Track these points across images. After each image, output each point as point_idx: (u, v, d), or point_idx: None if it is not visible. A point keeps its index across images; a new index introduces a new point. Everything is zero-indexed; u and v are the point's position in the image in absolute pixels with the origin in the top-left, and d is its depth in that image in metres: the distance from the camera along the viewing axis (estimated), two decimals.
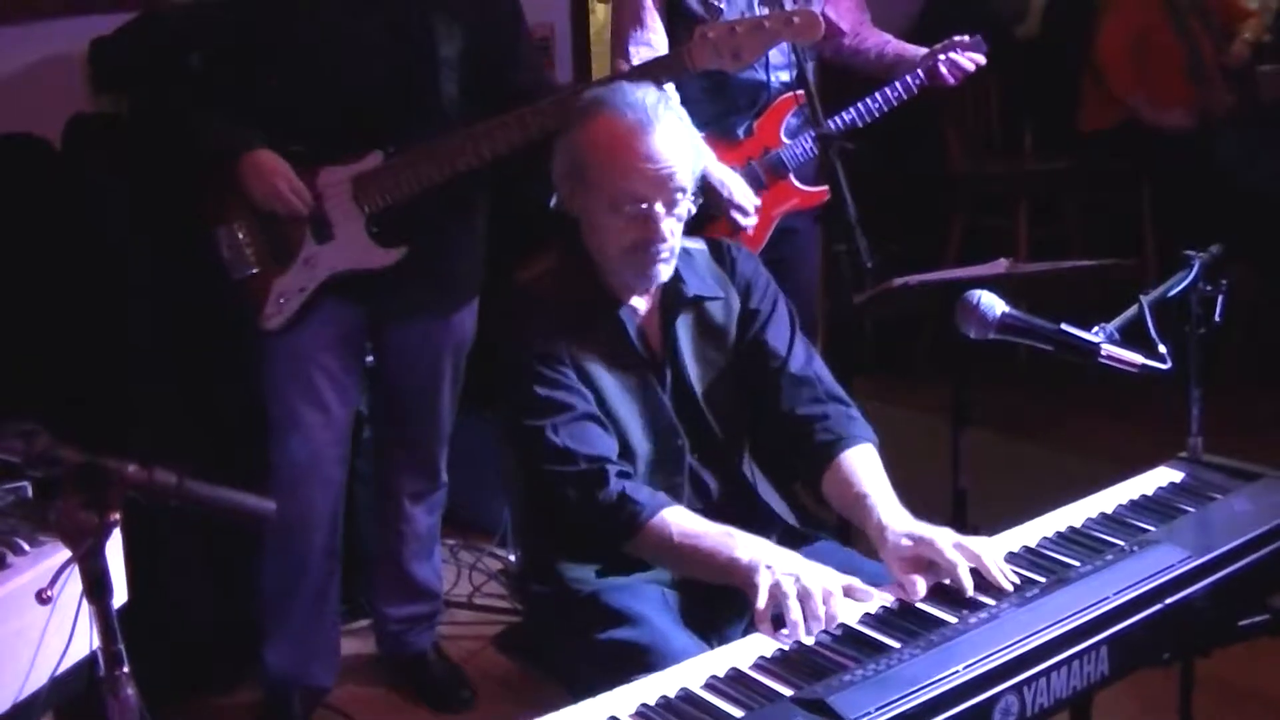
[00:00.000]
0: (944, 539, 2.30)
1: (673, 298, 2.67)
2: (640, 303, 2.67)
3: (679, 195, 2.55)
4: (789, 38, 3.12)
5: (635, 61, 3.58)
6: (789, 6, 3.55)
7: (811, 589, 2.17)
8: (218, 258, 3.39)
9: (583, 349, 2.57)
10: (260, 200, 3.28)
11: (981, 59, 3.87)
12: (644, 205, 2.52)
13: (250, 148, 3.27)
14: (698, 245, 2.76)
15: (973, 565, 2.25)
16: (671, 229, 2.56)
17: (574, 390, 2.53)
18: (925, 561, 2.30)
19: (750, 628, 2.49)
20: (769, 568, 2.25)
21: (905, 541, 2.34)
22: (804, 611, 2.15)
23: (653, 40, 3.67)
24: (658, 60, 3.27)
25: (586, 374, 2.57)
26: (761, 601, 2.20)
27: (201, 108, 3.35)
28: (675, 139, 2.55)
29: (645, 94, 2.58)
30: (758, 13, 3.62)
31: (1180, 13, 5.68)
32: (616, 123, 2.53)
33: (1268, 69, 5.64)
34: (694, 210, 2.63)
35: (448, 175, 3.23)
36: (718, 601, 2.54)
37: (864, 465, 2.58)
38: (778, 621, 2.17)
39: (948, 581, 2.25)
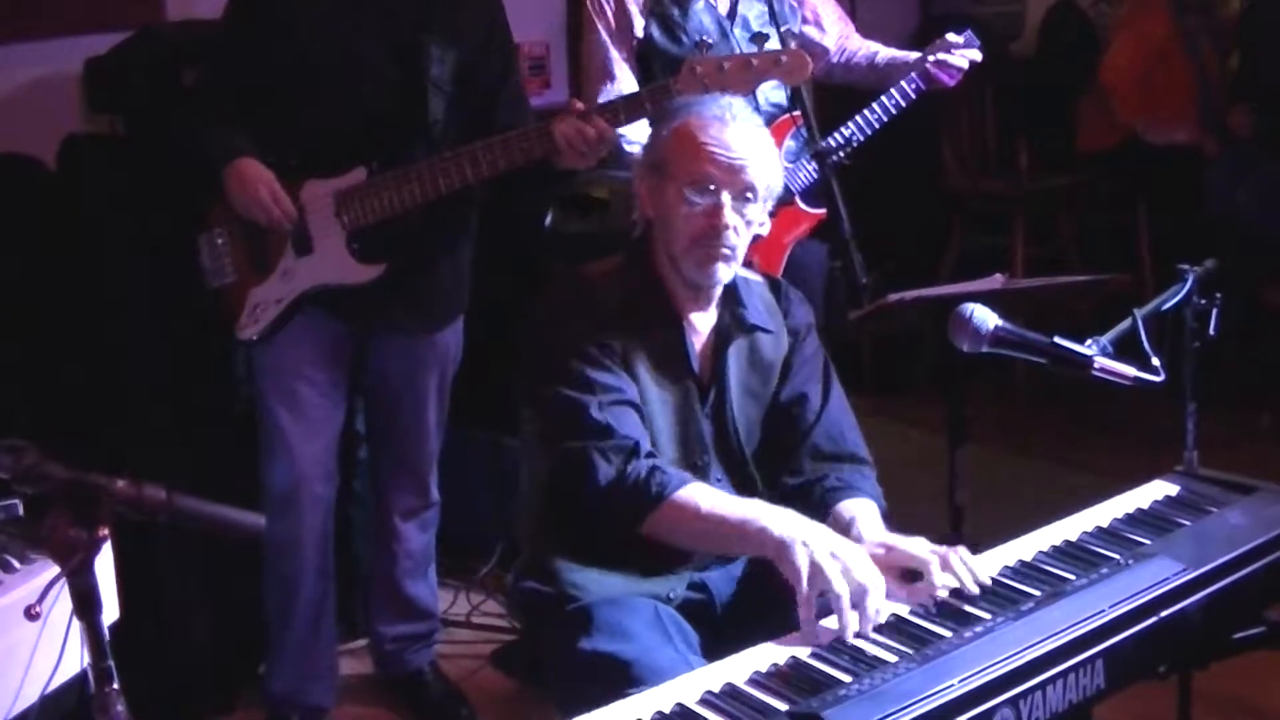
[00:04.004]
0: (913, 543, 2.37)
1: (731, 321, 2.70)
2: (700, 320, 2.70)
3: (749, 194, 2.58)
4: (776, 77, 3.13)
5: None
6: (775, 44, 3.56)
7: (865, 584, 2.17)
8: (198, 264, 3.41)
9: (633, 349, 2.60)
10: (241, 208, 3.29)
11: (976, 55, 3.82)
12: (712, 188, 2.56)
13: (236, 156, 3.28)
14: (756, 278, 2.80)
15: (942, 565, 2.29)
16: (737, 225, 2.58)
17: (620, 377, 2.56)
18: (898, 569, 2.33)
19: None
20: (804, 543, 2.25)
21: (878, 549, 2.38)
22: (858, 609, 2.16)
23: (623, 91, 3.65)
24: (646, 90, 3.27)
25: (633, 373, 2.59)
26: (803, 585, 2.20)
27: (193, 120, 3.37)
28: (753, 137, 2.61)
29: (730, 99, 2.69)
30: (740, 48, 3.64)
31: (1192, 35, 5.68)
32: (698, 115, 2.62)
33: (1236, 109, 5.62)
34: (766, 226, 2.67)
35: (430, 196, 3.24)
36: (728, 625, 2.57)
37: (860, 509, 2.60)
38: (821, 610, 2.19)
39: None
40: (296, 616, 3.58)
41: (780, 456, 2.73)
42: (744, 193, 2.57)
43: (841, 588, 2.17)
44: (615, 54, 3.71)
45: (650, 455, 2.50)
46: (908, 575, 2.33)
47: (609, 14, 3.72)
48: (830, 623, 2.18)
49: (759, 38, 3.65)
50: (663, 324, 2.65)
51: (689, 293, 2.66)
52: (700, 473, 2.63)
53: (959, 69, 3.81)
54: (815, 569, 2.20)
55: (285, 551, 3.52)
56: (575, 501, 2.55)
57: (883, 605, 2.19)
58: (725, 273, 2.63)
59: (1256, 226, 5.35)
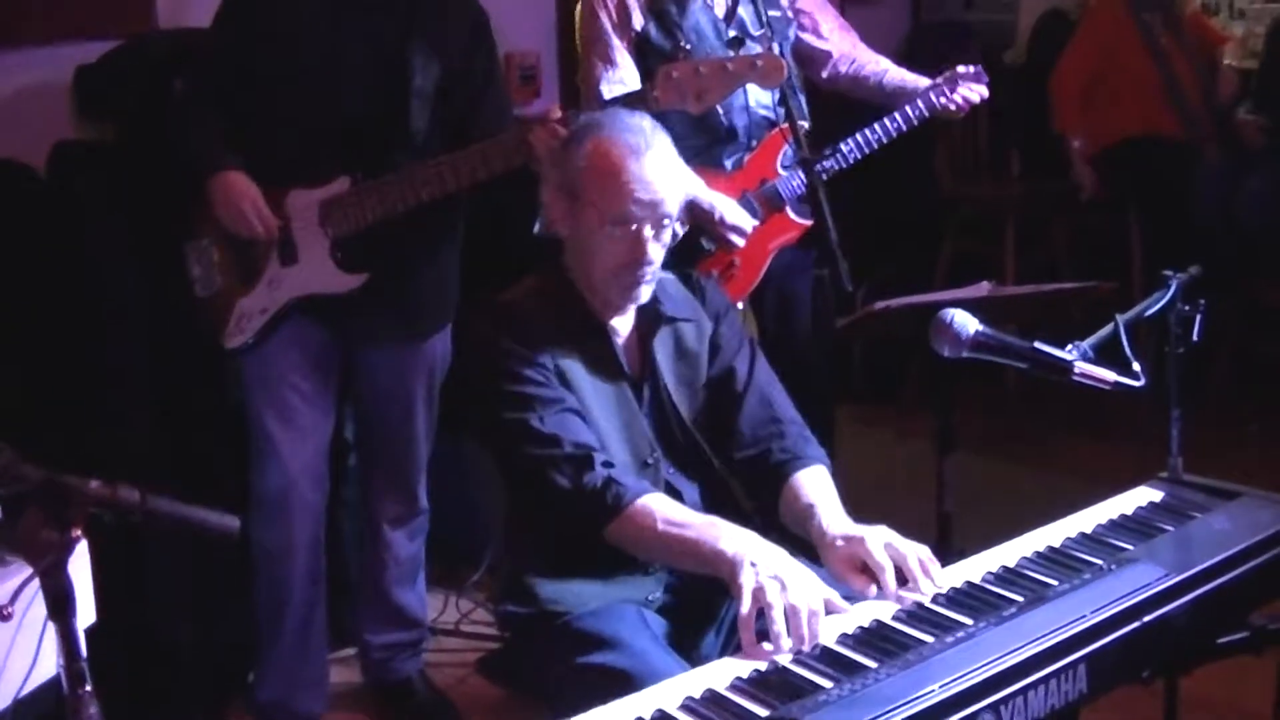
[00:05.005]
0: (875, 539, 2.35)
1: (650, 317, 2.73)
2: (620, 322, 2.72)
3: (666, 221, 2.62)
4: (753, 81, 3.15)
5: None
6: (757, 48, 3.56)
7: (798, 605, 2.17)
8: (186, 274, 3.42)
9: (564, 357, 2.62)
10: (225, 221, 3.31)
11: (984, 90, 3.84)
12: (634, 227, 2.58)
13: (221, 168, 3.29)
14: (667, 275, 2.80)
15: (899, 566, 2.29)
16: (656, 253, 2.62)
17: (555, 388, 2.58)
18: (861, 561, 2.34)
19: (726, 647, 2.50)
20: (754, 565, 2.26)
21: (840, 542, 2.39)
22: (788, 628, 2.15)
23: (625, 79, 3.65)
24: (623, 97, 3.27)
25: (568, 381, 2.61)
26: (745, 606, 2.20)
27: (181, 127, 3.38)
28: (667, 165, 2.62)
29: (641, 119, 2.67)
30: (725, 54, 3.64)
31: (1152, 33, 5.68)
32: (613, 144, 2.60)
33: (1249, 117, 5.60)
34: (680, 233, 2.70)
35: (412, 204, 3.26)
36: (690, 613, 2.57)
37: (813, 481, 2.63)
38: (761, 634, 2.17)
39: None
40: (287, 624, 3.58)
41: (721, 432, 2.75)
42: (662, 221, 2.61)
43: (778, 607, 2.17)
44: (617, 42, 3.70)
45: (607, 464, 2.52)
46: (867, 570, 2.34)
47: (611, 5, 3.72)
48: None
49: (735, 42, 3.66)
50: (587, 332, 2.67)
51: (605, 300, 2.69)
52: (652, 470, 2.65)
53: (970, 103, 3.83)
54: (758, 590, 2.22)
55: (276, 558, 3.53)
56: (537, 514, 2.57)
57: (820, 629, 2.17)
58: (646, 293, 2.67)
59: (1259, 229, 5.36)
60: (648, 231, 2.59)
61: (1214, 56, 5.83)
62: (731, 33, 3.72)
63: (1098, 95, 5.75)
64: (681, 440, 2.73)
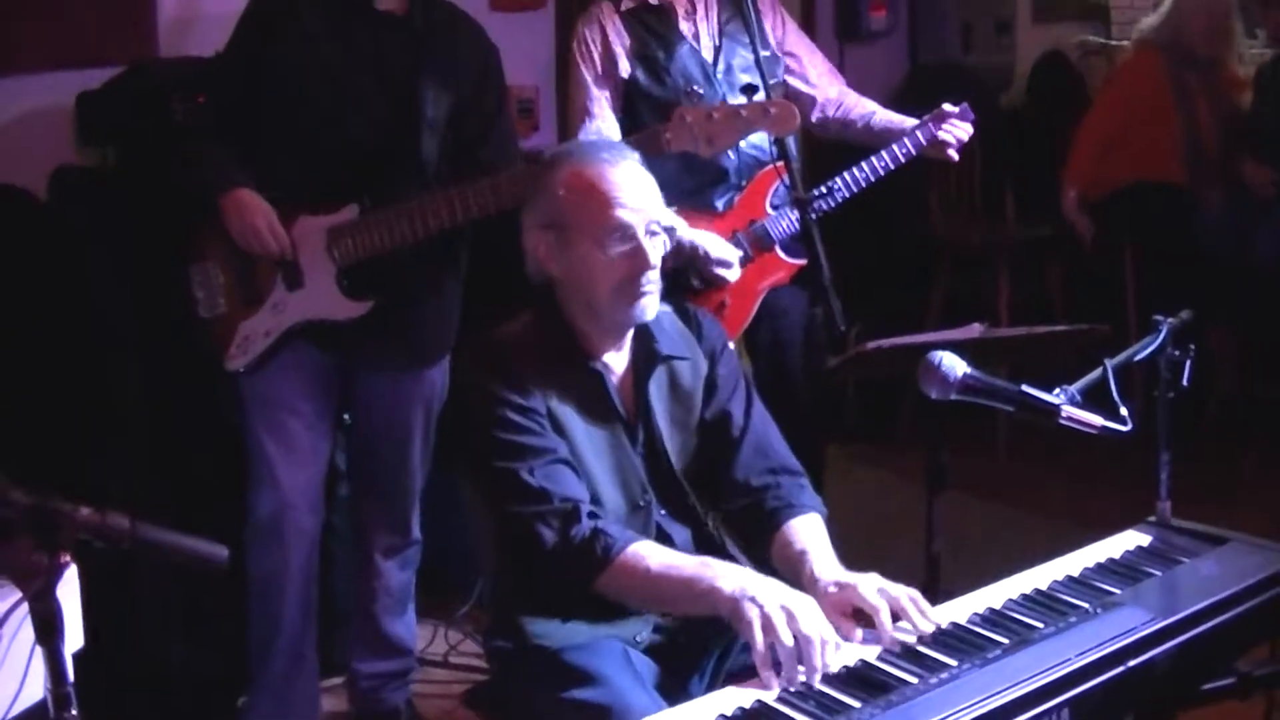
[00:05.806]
0: (867, 584, 2.35)
1: (645, 355, 2.71)
2: (615, 360, 2.70)
3: (656, 227, 2.61)
4: (764, 128, 3.19)
5: None
6: (757, 96, 3.59)
7: (810, 635, 2.17)
8: (189, 294, 3.43)
9: (557, 400, 2.60)
10: (238, 238, 3.32)
11: (969, 128, 3.87)
12: (629, 233, 2.57)
13: (234, 186, 3.31)
14: (664, 308, 2.78)
15: (894, 609, 2.29)
16: (656, 259, 2.60)
17: (548, 436, 2.56)
18: (852, 607, 2.34)
19: (713, 683, 2.49)
20: (753, 599, 2.25)
21: (831, 588, 2.38)
22: (802, 658, 2.15)
23: (602, 129, 3.70)
24: (634, 138, 3.30)
25: (560, 424, 2.59)
26: (757, 640, 2.19)
27: (192, 150, 3.42)
28: (642, 175, 2.64)
29: (607, 142, 2.68)
30: (723, 93, 3.69)
31: (1187, 91, 5.69)
32: (586, 164, 2.62)
33: (1260, 168, 5.62)
34: (669, 245, 2.68)
35: (420, 234, 3.28)
36: (678, 656, 2.56)
37: (806, 529, 2.62)
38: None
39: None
40: (278, 648, 3.58)
41: (714, 478, 2.74)
42: (652, 226, 2.60)
43: (789, 640, 2.17)
44: (596, 93, 3.75)
45: (593, 515, 2.50)
46: (860, 615, 2.33)
47: (594, 55, 3.76)
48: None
49: (749, 89, 3.69)
50: (580, 371, 2.65)
51: (603, 335, 2.67)
52: (643, 512, 2.64)
53: (958, 141, 3.85)
54: (766, 623, 2.21)
55: (269, 583, 3.53)
56: (526, 567, 2.55)
57: (831, 657, 2.18)
58: (652, 307, 2.64)
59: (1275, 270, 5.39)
60: (644, 237, 2.58)
61: (1238, 105, 5.84)
62: (720, 74, 3.75)
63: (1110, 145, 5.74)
64: (673, 483, 2.71)
